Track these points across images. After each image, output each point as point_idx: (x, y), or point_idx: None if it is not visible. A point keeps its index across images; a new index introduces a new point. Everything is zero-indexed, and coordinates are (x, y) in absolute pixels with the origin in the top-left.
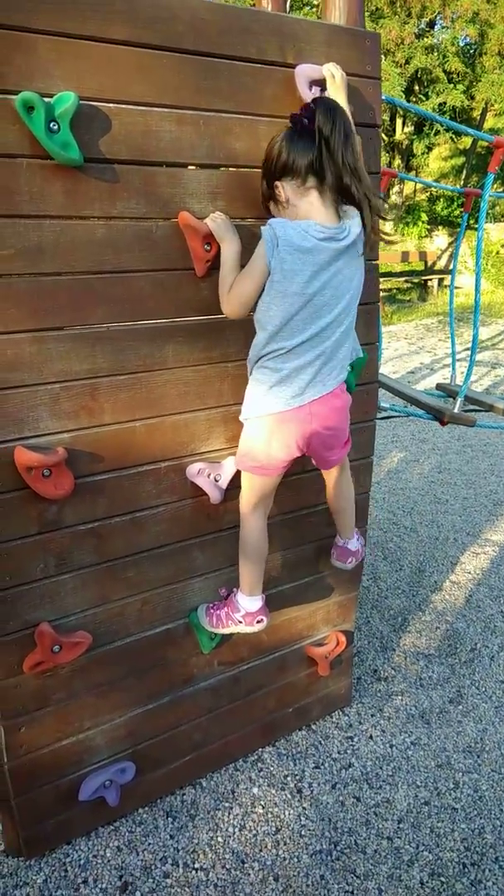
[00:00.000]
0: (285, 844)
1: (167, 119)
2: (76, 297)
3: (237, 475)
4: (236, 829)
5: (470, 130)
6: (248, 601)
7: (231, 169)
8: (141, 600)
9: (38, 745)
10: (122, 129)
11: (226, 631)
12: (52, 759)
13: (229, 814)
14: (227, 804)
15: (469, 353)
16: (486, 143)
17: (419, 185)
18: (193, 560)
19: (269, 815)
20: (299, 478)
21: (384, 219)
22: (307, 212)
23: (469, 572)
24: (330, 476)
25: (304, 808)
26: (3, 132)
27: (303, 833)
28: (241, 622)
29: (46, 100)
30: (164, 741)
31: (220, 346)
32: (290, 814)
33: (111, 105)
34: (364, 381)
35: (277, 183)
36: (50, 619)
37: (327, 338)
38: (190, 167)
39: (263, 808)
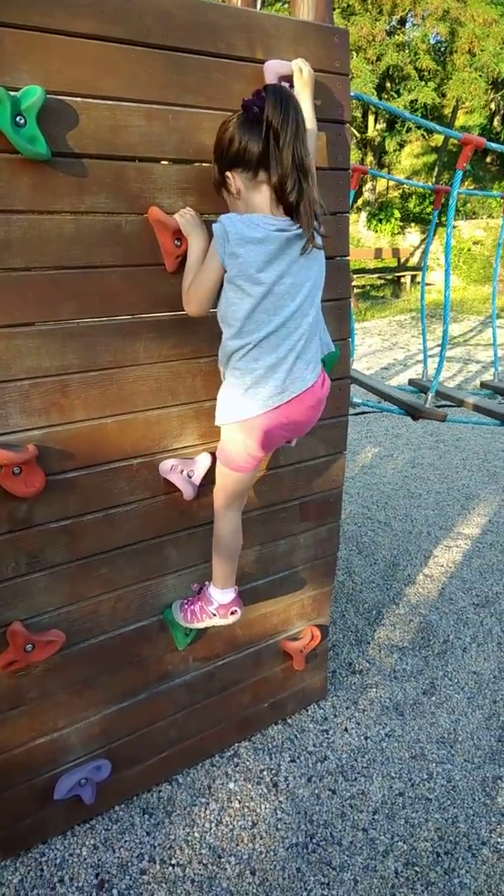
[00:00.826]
0: (262, 838)
1: (136, 113)
2: (45, 292)
3: (210, 471)
4: (213, 825)
5: (438, 128)
6: (221, 594)
7: (201, 164)
8: (114, 598)
9: (13, 745)
10: (91, 123)
11: (201, 625)
12: (26, 758)
13: (206, 809)
14: (203, 800)
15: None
16: (456, 141)
17: (392, 183)
18: (167, 557)
19: (246, 810)
20: (274, 472)
21: (324, 214)
22: (259, 205)
23: (442, 565)
24: None
25: (280, 802)
26: None
27: (279, 826)
28: (215, 615)
29: (13, 94)
30: (139, 738)
31: (191, 342)
32: (266, 808)
33: (79, 99)
34: (336, 376)
35: (228, 173)
36: (22, 617)
37: (294, 329)
38: (160, 162)
39: (240, 802)
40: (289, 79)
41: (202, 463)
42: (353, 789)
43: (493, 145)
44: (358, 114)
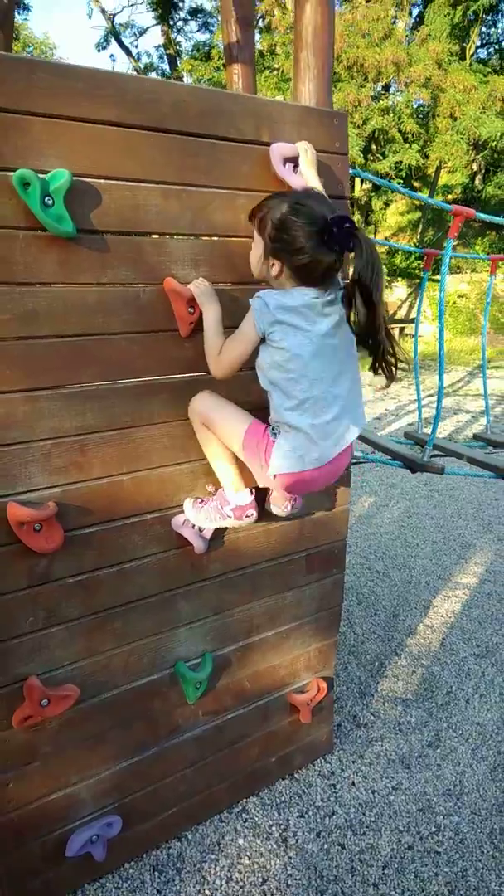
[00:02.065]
0: (272, 895)
1: (153, 193)
2: (68, 358)
3: (220, 530)
4: (223, 881)
5: (430, 200)
6: (237, 496)
7: (212, 238)
8: (127, 651)
9: (26, 801)
10: (112, 202)
11: (215, 525)
12: (39, 814)
13: (216, 866)
14: (213, 856)
15: (432, 399)
16: (441, 198)
17: (378, 238)
18: (178, 610)
19: (256, 866)
20: (282, 525)
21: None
22: (291, 289)
23: (441, 615)
24: None
25: (289, 858)
26: (2, 207)
27: (289, 883)
28: (230, 516)
29: (41, 176)
30: (150, 794)
31: None
32: (276, 863)
33: (102, 181)
34: None
35: (275, 260)
36: (38, 672)
37: (342, 383)
38: (175, 237)
39: (249, 858)
40: (293, 160)
41: None
42: (362, 843)
43: (483, 216)
44: None
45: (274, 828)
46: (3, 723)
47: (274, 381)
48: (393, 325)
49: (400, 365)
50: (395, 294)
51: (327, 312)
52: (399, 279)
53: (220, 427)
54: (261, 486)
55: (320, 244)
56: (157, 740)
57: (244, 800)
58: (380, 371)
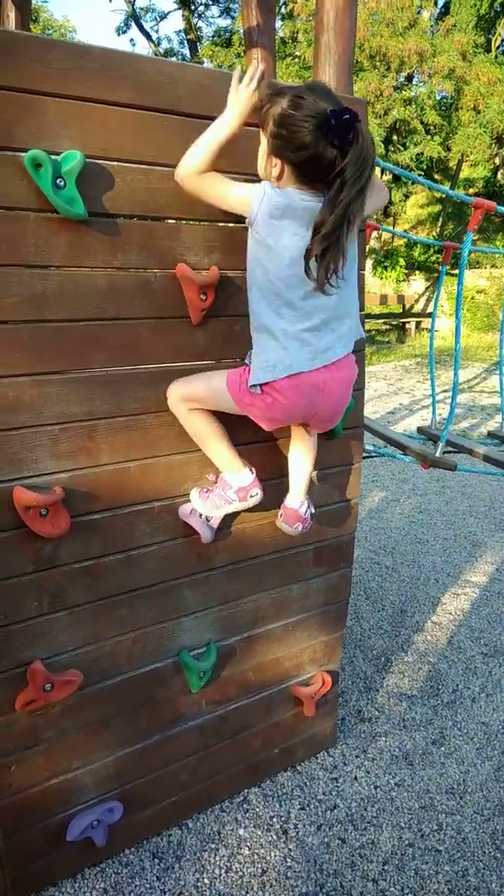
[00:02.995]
0: (271, 886)
1: (167, 177)
2: (78, 342)
3: (228, 516)
4: (222, 871)
5: (451, 192)
6: (237, 477)
7: (226, 224)
8: (132, 638)
9: (28, 785)
10: (126, 186)
11: (221, 511)
12: (40, 798)
13: (215, 855)
14: (213, 845)
15: (446, 395)
16: (462, 191)
17: (398, 230)
18: (183, 599)
19: (255, 857)
20: None
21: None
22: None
23: (450, 613)
24: (307, 438)
25: (289, 850)
26: (12, 187)
27: (289, 875)
28: (234, 499)
29: (54, 157)
30: (151, 781)
31: None
32: (275, 855)
33: (115, 163)
34: (350, 425)
35: (277, 159)
36: (42, 657)
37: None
38: (188, 222)
39: (249, 849)
40: None
41: None
42: (363, 839)
43: None
44: None
45: (275, 819)
46: (6, 706)
47: (255, 280)
48: (409, 319)
49: (415, 358)
50: (413, 287)
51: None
52: (417, 272)
53: (205, 393)
54: (266, 427)
55: (320, 139)
56: (160, 728)
57: (245, 790)
58: (312, 273)
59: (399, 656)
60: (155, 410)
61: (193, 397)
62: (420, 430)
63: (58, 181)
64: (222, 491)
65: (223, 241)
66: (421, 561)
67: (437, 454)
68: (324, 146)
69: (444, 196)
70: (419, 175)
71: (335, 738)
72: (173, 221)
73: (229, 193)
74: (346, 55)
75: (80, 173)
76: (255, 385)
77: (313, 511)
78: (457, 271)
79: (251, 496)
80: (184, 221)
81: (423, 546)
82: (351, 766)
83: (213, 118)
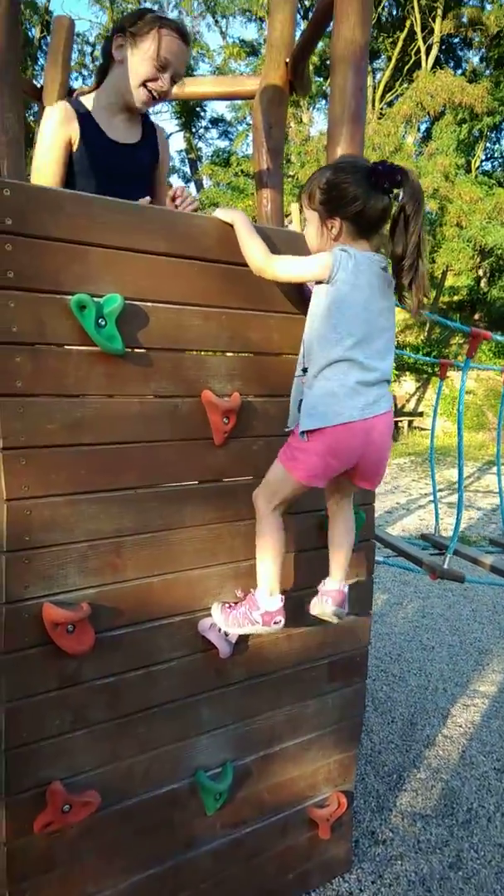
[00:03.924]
0: None
1: (196, 315)
2: (109, 463)
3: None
4: None
5: (450, 323)
6: (269, 600)
7: (248, 355)
8: (149, 758)
9: None
10: (158, 323)
11: (241, 631)
12: None
13: None
14: None
15: (443, 495)
16: (447, 299)
17: None
18: (200, 716)
19: None
20: (304, 630)
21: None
22: (357, 248)
23: (460, 725)
24: (344, 510)
25: None
26: (59, 326)
27: None
28: (258, 622)
29: (96, 300)
30: None
31: (233, 507)
32: None
33: (150, 304)
34: (363, 537)
35: (332, 221)
36: (62, 776)
37: (385, 355)
38: (213, 353)
39: None
40: None
41: None
42: None
43: (500, 338)
44: None
45: None
46: (24, 828)
47: (315, 328)
48: (402, 419)
49: (410, 456)
50: (404, 388)
51: (380, 272)
52: (408, 373)
53: (273, 479)
54: (311, 482)
55: (370, 189)
56: (175, 853)
57: None
58: (408, 300)
59: (411, 773)
60: (178, 526)
61: (267, 489)
62: (424, 537)
63: (100, 321)
64: (248, 610)
65: (244, 370)
66: (428, 669)
67: (445, 565)
68: (375, 196)
69: (430, 303)
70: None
71: (350, 862)
72: (199, 352)
73: (303, 269)
74: None
75: (120, 314)
76: (303, 433)
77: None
78: (450, 376)
79: (275, 622)
80: (209, 353)
81: (430, 653)
82: (367, 894)
83: (234, 263)
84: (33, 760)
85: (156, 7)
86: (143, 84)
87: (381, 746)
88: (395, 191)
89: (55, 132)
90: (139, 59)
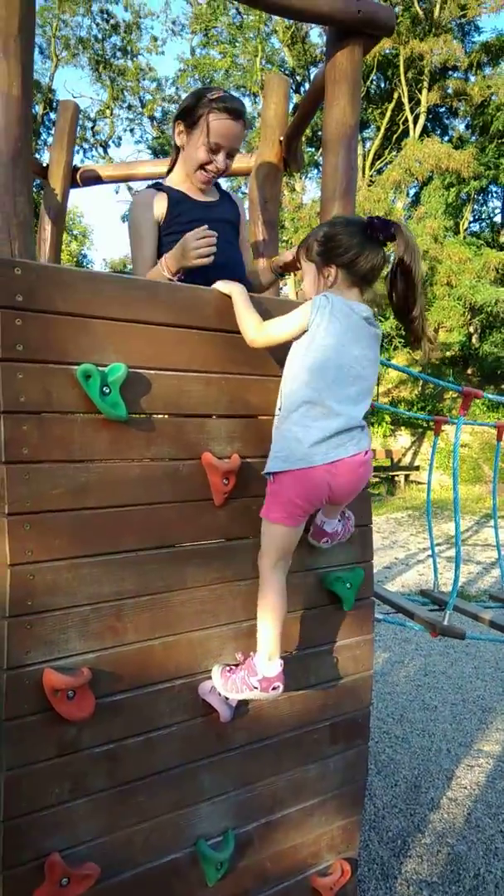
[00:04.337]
0: None
1: (197, 381)
2: (111, 526)
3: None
4: None
5: (442, 382)
6: (268, 666)
7: (247, 418)
8: (149, 828)
9: None
10: (161, 389)
11: (239, 696)
12: None
13: None
14: None
15: (440, 549)
16: (440, 354)
17: (381, 390)
18: (201, 783)
19: None
20: (305, 692)
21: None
22: (347, 295)
23: (465, 787)
24: None
25: None
26: (65, 395)
27: None
28: (256, 688)
29: (101, 369)
30: None
31: (233, 566)
32: None
33: (152, 371)
34: (361, 596)
35: (329, 269)
36: (61, 848)
37: (359, 400)
38: (213, 417)
39: None
40: None
41: None
42: None
43: (491, 396)
44: None
45: None
46: None
47: (289, 369)
48: (398, 473)
49: (407, 510)
50: (400, 442)
51: (360, 321)
52: (403, 428)
53: (267, 536)
54: (284, 524)
55: (365, 241)
56: None
57: None
58: (416, 346)
59: (416, 838)
60: (178, 588)
61: (263, 547)
62: (423, 593)
63: (104, 389)
64: (246, 675)
65: (243, 432)
66: (431, 729)
67: (445, 622)
68: (370, 248)
69: (418, 359)
70: (399, 342)
71: None
72: (199, 417)
73: (289, 326)
74: None
75: (124, 381)
76: (269, 473)
77: (346, 527)
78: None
79: (273, 688)
80: (210, 417)
81: (433, 713)
82: None
83: (231, 331)
84: (31, 831)
85: (204, 85)
86: (201, 167)
87: (384, 811)
88: (390, 245)
89: (143, 215)
90: (193, 147)
